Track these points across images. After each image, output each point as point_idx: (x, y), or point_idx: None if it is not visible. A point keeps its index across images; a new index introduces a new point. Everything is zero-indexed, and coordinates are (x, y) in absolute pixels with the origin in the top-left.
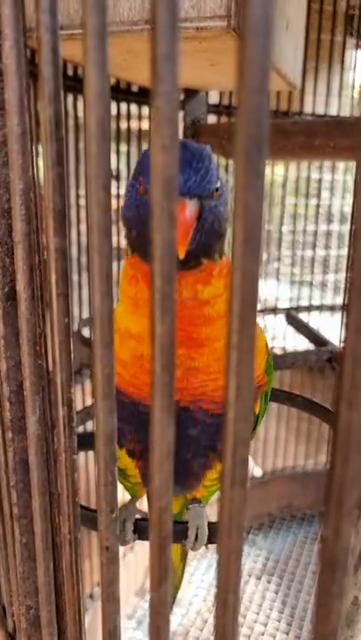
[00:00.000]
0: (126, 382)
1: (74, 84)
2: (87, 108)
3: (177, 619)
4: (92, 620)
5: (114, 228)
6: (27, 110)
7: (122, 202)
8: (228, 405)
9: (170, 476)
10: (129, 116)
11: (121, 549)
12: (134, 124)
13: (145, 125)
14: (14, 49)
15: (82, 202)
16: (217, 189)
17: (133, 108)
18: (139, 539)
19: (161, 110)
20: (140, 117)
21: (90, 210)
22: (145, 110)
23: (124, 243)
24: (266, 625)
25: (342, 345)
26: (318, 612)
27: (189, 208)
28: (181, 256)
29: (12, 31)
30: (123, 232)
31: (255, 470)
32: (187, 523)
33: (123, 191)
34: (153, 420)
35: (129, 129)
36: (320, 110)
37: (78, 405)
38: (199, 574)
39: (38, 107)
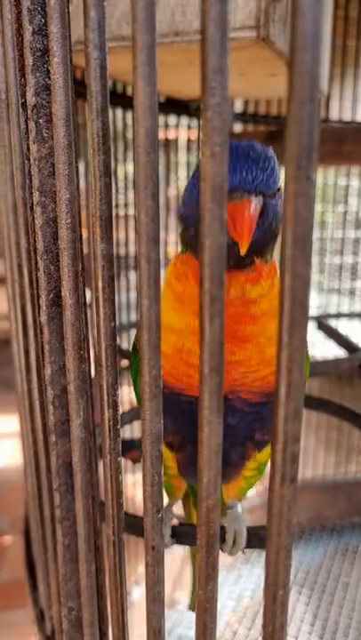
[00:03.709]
0: (166, 372)
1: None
2: (136, 121)
3: None
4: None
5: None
6: (73, 123)
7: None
8: (279, 404)
9: (218, 474)
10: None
11: None
12: (160, 134)
13: (171, 135)
14: (61, 65)
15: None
16: (278, 189)
17: (160, 118)
18: (177, 543)
19: (211, 121)
20: (166, 127)
21: (139, 218)
22: (171, 120)
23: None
24: (297, 638)
25: None
26: None
27: (255, 205)
28: (243, 252)
29: (59, 48)
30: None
31: None
32: (224, 527)
33: None
34: (201, 420)
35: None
36: (347, 116)
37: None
38: (228, 585)
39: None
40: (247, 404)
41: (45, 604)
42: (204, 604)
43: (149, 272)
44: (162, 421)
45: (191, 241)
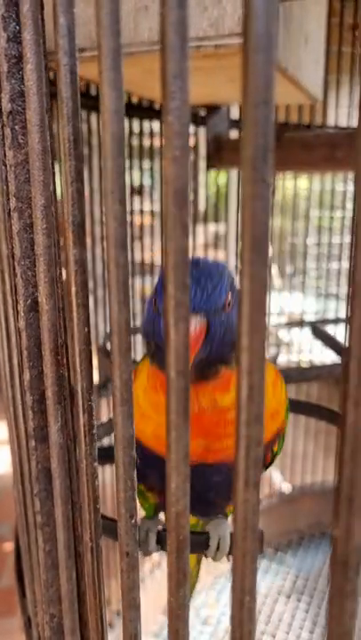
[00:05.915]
0: (145, 441)
1: (94, 103)
2: (103, 126)
3: (205, 637)
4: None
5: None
6: (47, 129)
7: (145, 220)
8: (241, 407)
9: (186, 480)
10: (152, 134)
11: (148, 566)
12: (157, 142)
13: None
14: (35, 72)
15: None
16: (229, 303)
17: (155, 125)
18: (162, 549)
19: (171, 125)
20: (161, 135)
21: (107, 223)
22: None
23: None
24: None
25: (347, 345)
26: (332, 611)
27: (194, 323)
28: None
29: (33, 55)
30: (140, 247)
31: (284, 486)
32: (208, 533)
33: (146, 207)
34: (169, 424)
35: (152, 145)
36: (343, 122)
37: (104, 418)
38: (227, 592)
39: (56, 126)
40: (232, 468)
41: (32, 611)
42: (176, 611)
43: (118, 276)
44: (133, 426)
45: (152, 354)
